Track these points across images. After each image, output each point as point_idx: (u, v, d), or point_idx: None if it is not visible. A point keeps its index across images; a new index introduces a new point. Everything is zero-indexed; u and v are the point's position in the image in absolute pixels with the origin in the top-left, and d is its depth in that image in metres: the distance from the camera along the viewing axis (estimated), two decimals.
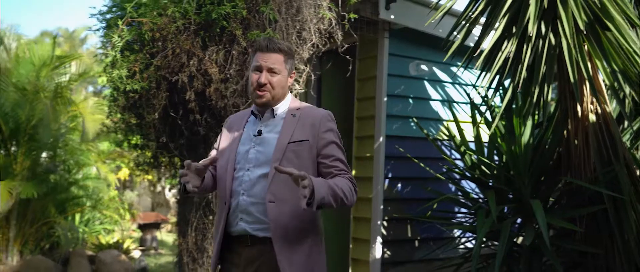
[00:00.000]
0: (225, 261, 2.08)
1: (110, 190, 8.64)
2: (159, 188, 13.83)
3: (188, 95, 3.34)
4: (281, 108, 2.12)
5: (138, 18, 3.52)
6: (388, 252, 3.99)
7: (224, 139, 2.20)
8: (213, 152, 2.21)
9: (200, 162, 1.98)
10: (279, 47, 2.09)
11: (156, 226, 9.41)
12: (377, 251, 3.90)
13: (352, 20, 3.45)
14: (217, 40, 3.30)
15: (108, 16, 4.28)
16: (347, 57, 3.55)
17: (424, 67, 4.27)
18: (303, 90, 3.46)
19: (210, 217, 4.02)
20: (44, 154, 7.61)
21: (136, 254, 7.91)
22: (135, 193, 12.42)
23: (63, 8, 46.73)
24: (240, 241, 2.02)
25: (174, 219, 12.35)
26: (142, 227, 9.27)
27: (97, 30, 4.28)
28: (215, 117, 3.46)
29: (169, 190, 14.01)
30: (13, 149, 7.05)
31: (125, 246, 7.85)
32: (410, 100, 4.19)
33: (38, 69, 7.00)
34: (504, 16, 3.04)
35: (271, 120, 2.11)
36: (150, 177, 11.81)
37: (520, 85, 2.99)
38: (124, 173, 10.95)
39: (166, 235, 11.16)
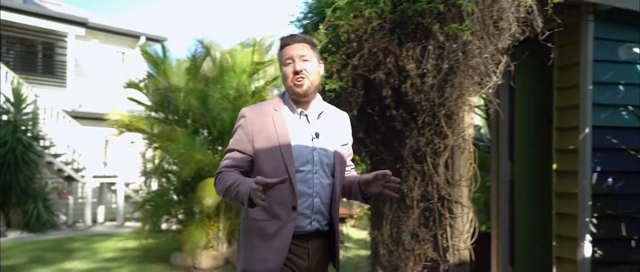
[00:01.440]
0: (301, 251, 2.14)
1: None
2: None
3: (385, 92, 3.46)
4: (321, 107, 2.22)
5: (335, 21, 3.73)
6: (599, 252, 3.68)
7: (259, 137, 2.10)
8: (238, 150, 2.13)
9: (270, 181, 1.86)
10: (303, 38, 2.16)
11: (342, 220, 9.82)
12: (586, 249, 3.63)
13: (552, 4, 3.26)
14: (412, 36, 3.36)
15: (304, 22, 4.59)
16: (548, 44, 3.36)
17: (636, 49, 3.85)
18: (500, 82, 3.36)
19: (404, 211, 4.10)
20: None
21: None
22: None
23: (252, 19, 51.15)
24: (308, 236, 2.13)
25: (358, 214, 12.79)
26: None
27: None
28: (411, 112, 3.53)
29: None
30: (219, 148, 7.95)
31: None
32: (621, 87, 3.81)
33: (239, 75, 7.80)
34: None
35: (320, 122, 2.19)
36: None
37: None
38: None
39: (349, 229, 11.58)
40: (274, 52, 20.48)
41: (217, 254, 7.62)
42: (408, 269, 3.92)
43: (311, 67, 2.11)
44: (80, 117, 12.56)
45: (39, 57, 13.37)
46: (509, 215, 4.51)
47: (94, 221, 12.57)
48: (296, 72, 2.08)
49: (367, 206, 13.54)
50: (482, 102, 4.88)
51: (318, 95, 2.24)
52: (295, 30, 4.65)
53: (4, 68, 11.04)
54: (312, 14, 4.52)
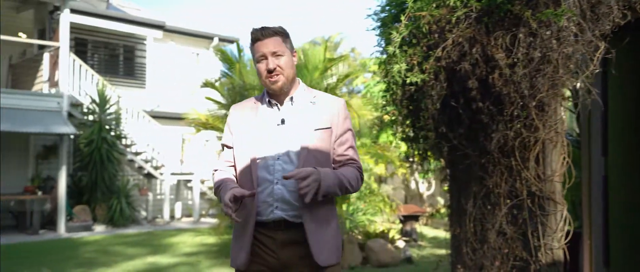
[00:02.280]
0: (255, 245, 2.09)
1: (374, 183, 9.16)
2: (412, 182, 14.20)
3: (470, 83, 3.32)
4: (298, 95, 2.16)
5: (417, 12, 3.63)
6: None
7: (236, 130, 2.18)
8: (225, 145, 2.23)
9: (241, 194, 1.97)
10: (273, 30, 2.10)
11: (415, 218, 9.65)
12: None
13: None
14: (500, 24, 3.21)
15: (382, 15, 4.51)
16: None
17: None
18: (598, 70, 3.14)
19: (489, 208, 3.94)
20: None
21: (400, 244, 8.22)
22: (391, 187, 12.95)
23: (320, 17, 51.52)
24: (274, 226, 2.06)
25: (430, 212, 12.54)
26: (403, 219, 9.61)
27: (373, 29, 4.55)
28: (498, 104, 3.37)
29: (422, 183, 14.29)
30: None
31: (390, 235, 8.23)
32: None
33: (311, 72, 7.82)
34: None
35: (291, 108, 2.14)
36: (404, 170, 12.20)
37: None
38: (381, 168, 11.50)
39: (422, 227, 11.38)
40: (342, 49, 20.49)
41: None
42: (494, 269, 3.76)
43: (285, 62, 2.10)
44: (158, 116, 13.07)
45: (120, 59, 14.04)
46: (602, 213, 4.23)
47: (172, 217, 13.05)
48: (270, 71, 2.08)
49: (441, 203, 13.25)
50: (567, 93, 4.62)
51: (300, 83, 2.22)
52: (373, 23, 4.59)
53: (90, 71, 11.66)
54: (391, 6, 4.44)
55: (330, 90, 8.09)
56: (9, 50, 11.97)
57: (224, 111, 8.61)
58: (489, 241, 3.82)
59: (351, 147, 2.17)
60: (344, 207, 8.99)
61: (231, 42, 15.03)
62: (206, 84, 8.70)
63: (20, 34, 11.44)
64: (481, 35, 3.22)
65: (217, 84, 8.68)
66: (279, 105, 2.15)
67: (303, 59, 8.14)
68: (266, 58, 2.08)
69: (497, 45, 3.17)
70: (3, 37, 10.62)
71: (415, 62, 3.77)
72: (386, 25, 4.44)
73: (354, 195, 9.06)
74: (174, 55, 14.70)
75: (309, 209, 2.04)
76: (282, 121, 2.11)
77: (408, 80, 3.77)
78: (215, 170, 2.25)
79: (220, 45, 14.40)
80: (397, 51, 3.91)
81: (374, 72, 15.43)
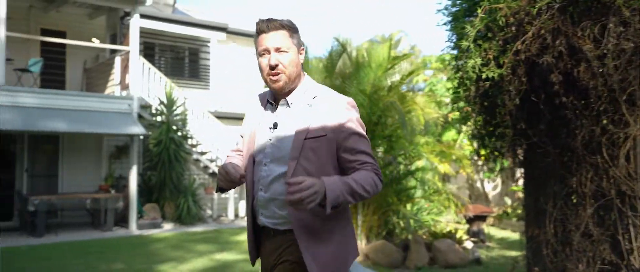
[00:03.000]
0: (260, 245, 2.08)
1: (438, 181, 8.97)
2: (477, 181, 13.84)
3: (553, 77, 3.16)
4: (296, 96, 1.98)
5: (493, 5, 3.50)
6: None
7: (246, 124, 2.12)
8: (241, 134, 2.17)
9: (236, 173, 1.92)
10: (281, 23, 1.93)
11: (483, 218, 9.38)
12: None
13: None
14: (587, 14, 3.04)
15: (453, 10, 4.39)
16: None
17: None
18: None
19: (572, 208, 3.75)
20: (379, 149, 8.35)
21: (468, 245, 8.01)
22: (455, 186, 12.67)
23: (379, 14, 51.27)
24: (264, 232, 2.02)
25: (498, 212, 12.18)
26: (469, 219, 9.37)
27: (444, 24, 4.44)
28: (584, 98, 3.20)
29: (488, 183, 13.90)
30: None
31: (457, 236, 8.03)
32: None
33: (375, 70, 7.74)
34: None
35: (286, 111, 1.97)
36: (469, 169, 11.90)
37: None
38: (445, 167, 11.27)
39: (489, 228, 11.05)
40: (402, 47, 20.25)
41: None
42: None
43: (289, 60, 1.92)
44: (221, 116, 13.34)
45: (185, 62, 14.44)
46: None
47: (236, 215, 13.29)
48: (271, 68, 1.92)
49: (509, 203, 12.84)
50: None
51: (305, 79, 2.03)
52: (443, 18, 4.48)
53: (158, 73, 12.05)
54: (462, 0, 4.31)
55: (394, 88, 7.99)
56: (84, 55, 12.56)
57: None
58: (573, 243, 3.63)
59: (361, 151, 1.92)
60: (408, 206, 8.86)
61: None
62: None
63: (93, 39, 11.98)
64: (566, 26, 3.06)
65: None
66: (276, 105, 2.02)
67: (366, 57, 8.08)
68: (269, 53, 1.93)
69: (584, 36, 3.01)
70: (78, 42, 11.16)
71: (490, 56, 3.65)
72: (458, 19, 4.32)
73: (418, 193, 8.90)
74: (236, 57, 14.97)
75: (303, 222, 1.89)
76: (275, 125, 1.97)
77: (483, 76, 3.65)
78: (227, 156, 2.26)
79: None
80: (472, 46, 3.79)
81: (437, 70, 15.18)
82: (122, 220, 10.94)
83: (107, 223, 10.39)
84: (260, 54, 1.96)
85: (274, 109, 2.02)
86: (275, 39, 1.92)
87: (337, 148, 1.91)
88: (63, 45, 11.93)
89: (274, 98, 2.04)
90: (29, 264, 7.10)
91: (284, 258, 1.95)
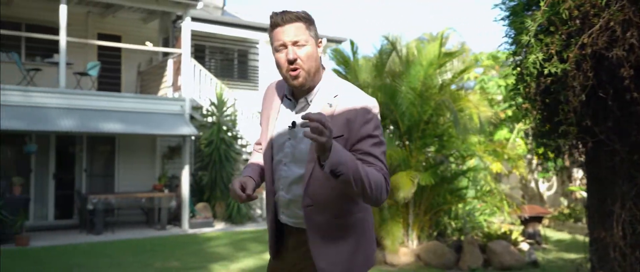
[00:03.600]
0: (280, 241, 2.04)
1: (491, 181, 8.74)
2: (531, 181, 13.43)
3: (624, 72, 3.01)
4: (317, 93, 1.89)
5: None
6: None
7: (263, 117, 2.05)
8: (262, 126, 2.10)
9: (243, 195, 1.88)
10: (296, 15, 1.82)
11: (539, 219, 9.08)
12: None
13: None
14: None
15: (511, 3, 4.26)
16: None
17: None
18: None
19: None
20: (430, 149, 8.22)
21: (524, 246, 7.77)
22: (507, 186, 12.33)
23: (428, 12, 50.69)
24: (286, 227, 2.00)
25: (555, 213, 11.78)
26: (524, 220, 9.08)
27: (501, 19, 4.31)
28: None
29: (542, 183, 13.46)
30: (407, 143, 7.85)
31: (512, 237, 7.81)
32: None
33: (426, 68, 7.60)
34: None
35: (308, 108, 1.89)
36: (522, 169, 11.56)
37: None
38: (497, 166, 10.99)
39: (545, 229, 10.69)
40: (450, 45, 19.89)
41: (407, 250, 7.53)
42: None
43: (307, 54, 1.82)
44: None
45: (235, 63, 14.65)
46: None
47: None
48: (290, 62, 1.82)
49: (565, 204, 12.39)
50: None
51: (326, 75, 1.93)
52: (501, 13, 4.35)
53: (209, 75, 12.27)
54: None
55: (446, 86, 7.84)
56: (138, 58, 12.93)
57: None
58: None
59: (371, 154, 1.81)
60: (461, 205, 8.66)
61: (338, 42, 15.14)
62: None
63: (147, 42, 12.31)
64: (638, 17, 2.90)
65: None
66: (295, 102, 1.93)
67: (416, 55, 7.96)
68: (286, 47, 1.83)
69: None
70: (133, 46, 11.50)
71: (553, 51, 3.51)
72: (517, 13, 4.19)
73: (471, 194, 8.70)
74: None
75: (317, 224, 1.87)
76: (293, 124, 1.87)
77: (545, 71, 3.52)
78: (252, 151, 2.30)
79: (328, 47, 14.54)
80: (533, 40, 3.67)
81: (488, 67, 14.79)
82: (175, 219, 11.19)
83: (161, 222, 10.65)
84: (276, 49, 1.87)
85: (292, 106, 1.94)
86: (291, 32, 1.82)
87: (350, 149, 1.82)
88: (119, 49, 12.33)
89: (292, 93, 1.95)
90: (89, 260, 7.35)
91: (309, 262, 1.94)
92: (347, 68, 8.27)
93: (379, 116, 1.88)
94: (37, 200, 10.91)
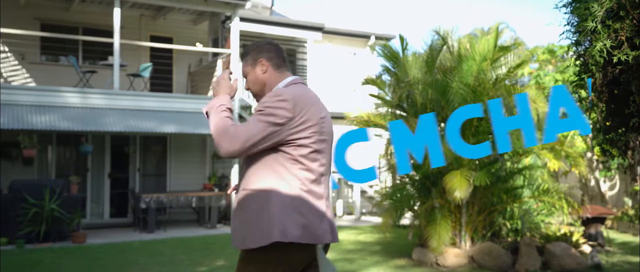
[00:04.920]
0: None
1: (549, 180, 8.33)
2: (591, 180, 12.82)
3: None
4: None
5: None
6: None
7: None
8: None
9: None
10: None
11: (601, 220, 8.61)
12: None
13: None
14: None
15: None
16: None
17: None
18: None
19: None
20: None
21: (586, 249, 7.37)
22: (565, 185, 11.79)
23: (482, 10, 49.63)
24: None
25: (619, 214, 11.18)
26: (585, 221, 8.63)
27: (563, 6, 4.05)
28: None
29: (603, 182, 12.82)
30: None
31: (573, 239, 7.42)
32: None
33: (479, 63, 7.33)
34: None
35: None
36: (582, 167, 11.03)
37: None
38: (556, 164, 10.52)
39: (608, 231, 10.15)
40: (503, 39, 19.28)
41: (460, 251, 7.28)
42: None
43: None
44: None
45: None
46: None
47: (334, 215, 13.30)
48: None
49: (629, 204, 11.73)
50: None
51: (280, 84, 2.37)
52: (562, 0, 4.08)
53: None
54: None
55: (500, 81, 7.54)
56: (189, 59, 13.15)
57: (386, 108, 8.49)
58: None
59: (247, 120, 2.26)
60: (516, 205, 8.32)
61: (387, 39, 14.93)
62: (367, 81, 8.65)
63: (197, 43, 12.50)
64: None
65: (379, 81, 8.58)
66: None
67: (469, 49, 7.68)
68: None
69: None
70: (183, 47, 11.69)
71: (623, 37, 3.25)
72: (579, 1, 3.92)
73: (527, 193, 8.32)
74: (332, 56, 14.99)
75: (237, 200, 2.28)
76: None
77: (614, 59, 3.26)
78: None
79: (376, 44, 14.37)
80: (599, 26, 3.41)
81: (544, 61, 14.23)
82: (224, 218, 11.30)
83: (211, 221, 10.77)
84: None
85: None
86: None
87: None
88: (170, 50, 12.57)
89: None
90: (143, 257, 7.48)
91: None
92: (396, 64, 8.09)
93: (280, 103, 2.14)
94: (93, 199, 11.26)
